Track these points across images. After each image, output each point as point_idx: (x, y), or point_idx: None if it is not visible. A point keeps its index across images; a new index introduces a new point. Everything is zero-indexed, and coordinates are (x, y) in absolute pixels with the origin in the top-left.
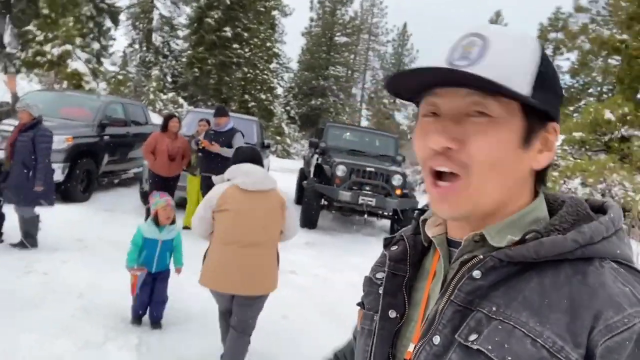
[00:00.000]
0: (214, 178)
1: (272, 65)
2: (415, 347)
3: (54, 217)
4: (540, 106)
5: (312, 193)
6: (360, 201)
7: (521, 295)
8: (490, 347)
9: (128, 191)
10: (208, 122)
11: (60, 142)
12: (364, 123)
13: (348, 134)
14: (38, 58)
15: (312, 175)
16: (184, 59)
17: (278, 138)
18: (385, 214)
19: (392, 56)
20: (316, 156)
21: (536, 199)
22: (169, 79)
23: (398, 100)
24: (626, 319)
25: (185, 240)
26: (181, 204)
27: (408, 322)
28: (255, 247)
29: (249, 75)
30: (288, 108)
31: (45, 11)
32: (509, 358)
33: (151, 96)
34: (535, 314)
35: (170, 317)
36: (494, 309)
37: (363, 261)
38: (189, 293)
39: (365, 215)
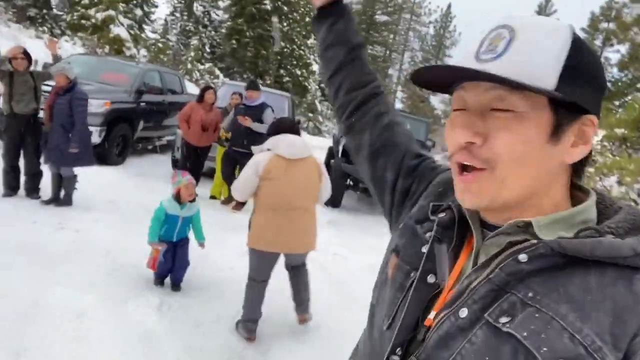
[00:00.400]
0: (254, 148)
1: (310, 41)
2: (437, 315)
3: (89, 178)
4: (567, 98)
5: (338, 172)
6: None
7: (562, 288)
8: (525, 333)
9: (161, 157)
10: (240, 95)
11: (99, 106)
12: (398, 105)
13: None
14: (83, 21)
15: (339, 155)
16: (223, 30)
17: (310, 115)
18: None
19: (433, 37)
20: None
21: (589, 200)
22: (208, 49)
23: None
24: None
25: (208, 210)
26: (209, 174)
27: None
28: (299, 210)
29: (285, 50)
30: (322, 85)
31: None
32: (545, 349)
33: (189, 65)
34: (576, 309)
35: (191, 282)
36: (530, 294)
37: (382, 243)
38: (211, 262)
39: None
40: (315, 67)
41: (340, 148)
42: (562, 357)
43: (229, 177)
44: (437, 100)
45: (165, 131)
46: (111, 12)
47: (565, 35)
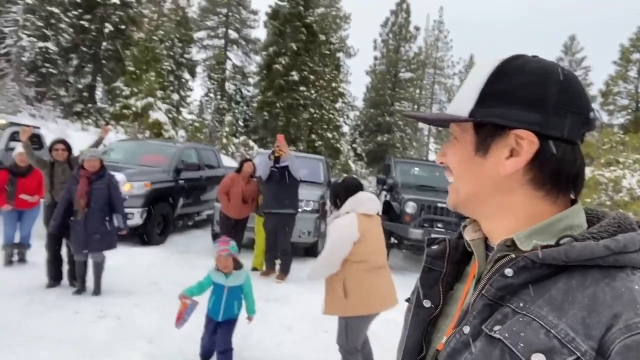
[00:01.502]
0: (331, 217)
1: (338, 105)
2: (447, 337)
3: (131, 260)
4: (481, 119)
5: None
6: None
7: (548, 293)
8: (507, 334)
9: (201, 233)
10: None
11: (140, 187)
12: (432, 157)
13: (416, 168)
14: (125, 111)
15: (380, 213)
16: (254, 104)
17: (345, 175)
18: None
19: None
20: (384, 193)
21: (568, 209)
22: (241, 124)
23: None
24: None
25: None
26: (248, 245)
27: (445, 316)
28: (384, 265)
29: (315, 115)
30: (355, 145)
31: (131, 68)
32: (521, 344)
33: (224, 140)
34: (555, 309)
35: None
36: (521, 304)
37: None
38: (255, 340)
39: None
40: (346, 129)
41: (381, 206)
42: (537, 351)
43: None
44: None
45: (204, 206)
46: (150, 99)
47: (490, 67)
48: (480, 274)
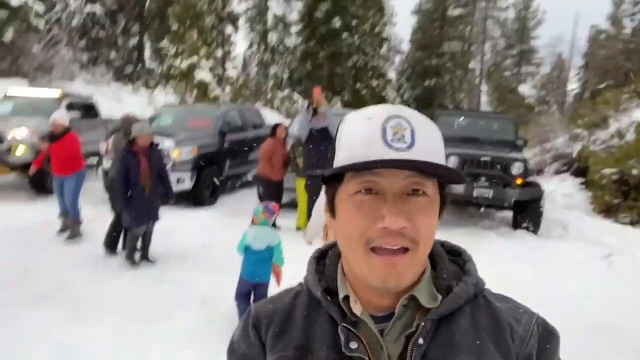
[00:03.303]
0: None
1: (383, 50)
2: None
3: (184, 223)
4: (459, 181)
5: None
6: (475, 194)
7: (454, 342)
8: None
9: (249, 192)
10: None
11: (188, 152)
12: (484, 99)
13: (460, 120)
14: (172, 71)
15: None
16: (298, 54)
17: None
18: (506, 205)
19: (515, 21)
20: None
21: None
22: (286, 76)
23: (523, 69)
24: (526, 327)
25: (293, 242)
26: (290, 205)
27: None
28: None
29: (359, 63)
30: (401, 91)
31: (174, 27)
32: None
33: (269, 95)
34: (472, 355)
35: None
36: None
37: (479, 259)
38: None
39: (482, 208)
40: (391, 75)
41: None
42: None
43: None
44: (527, 88)
45: (250, 166)
46: (194, 59)
47: (434, 125)
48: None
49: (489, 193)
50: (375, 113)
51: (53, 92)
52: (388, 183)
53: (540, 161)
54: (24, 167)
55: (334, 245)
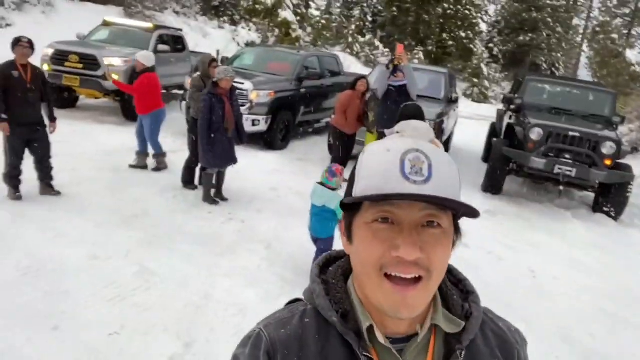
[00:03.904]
0: (387, 132)
1: None
2: None
3: (256, 164)
4: (473, 216)
5: (498, 156)
6: (556, 170)
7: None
8: None
9: (319, 140)
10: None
11: (265, 96)
12: (584, 62)
13: (552, 88)
14: (257, 6)
15: (502, 136)
16: None
17: (475, 81)
18: (590, 185)
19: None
20: (509, 113)
21: None
22: (370, 18)
23: (634, 31)
24: (522, 343)
25: None
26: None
27: None
28: None
29: (449, 11)
30: (491, 45)
31: None
32: None
33: (350, 39)
34: None
35: None
36: None
37: (549, 241)
38: None
39: (561, 187)
40: (483, 27)
41: (504, 127)
42: None
43: None
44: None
45: (324, 114)
46: None
47: (449, 158)
48: None
49: (572, 171)
50: (394, 146)
51: (146, 24)
52: (404, 214)
53: (636, 139)
54: (116, 93)
55: (334, 261)
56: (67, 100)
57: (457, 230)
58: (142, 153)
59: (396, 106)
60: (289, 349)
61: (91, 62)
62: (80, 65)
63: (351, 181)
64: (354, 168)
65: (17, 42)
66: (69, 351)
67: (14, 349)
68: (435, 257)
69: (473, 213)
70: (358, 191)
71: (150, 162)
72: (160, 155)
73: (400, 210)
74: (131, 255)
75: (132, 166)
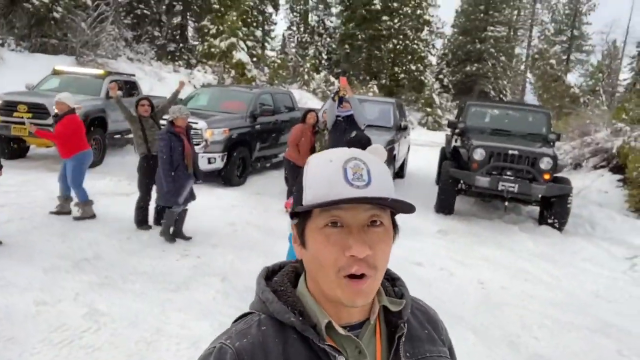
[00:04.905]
0: None
1: (423, 34)
2: None
3: (213, 202)
4: (409, 211)
5: (447, 177)
6: (500, 187)
7: (416, 335)
8: None
9: (277, 173)
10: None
11: (220, 134)
12: (528, 87)
13: (491, 111)
14: (212, 50)
15: (450, 157)
16: (337, 36)
17: (428, 110)
18: (532, 200)
19: (566, 5)
20: (455, 137)
21: None
22: (324, 56)
23: (572, 57)
24: (440, 320)
25: None
26: None
27: None
28: None
29: (398, 46)
30: (441, 76)
31: (216, 6)
32: None
33: (306, 77)
34: (430, 344)
35: None
36: (409, 353)
37: (497, 254)
38: None
39: (506, 203)
40: (432, 59)
41: (450, 149)
42: None
43: None
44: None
45: (280, 148)
46: (233, 39)
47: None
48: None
49: (514, 187)
50: (335, 156)
51: (97, 70)
52: (351, 217)
53: (578, 155)
54: None
55: (272, 274)
56: (17, 150)
57: (395, 226)
58: (66, 198)
59: (345, 135)
60: (254, 356)
61: (41, 110)
62: (29, 115)
63: (299, 191)
64: (300, 179)
65: None
66: None
67: None
68: (381, 253)
69: (409, 209)
70: (307, 199)
71: (74, 209)
72: (85, 203)
73: (348, 213)
74: (80, 298)
75: (53, 213)
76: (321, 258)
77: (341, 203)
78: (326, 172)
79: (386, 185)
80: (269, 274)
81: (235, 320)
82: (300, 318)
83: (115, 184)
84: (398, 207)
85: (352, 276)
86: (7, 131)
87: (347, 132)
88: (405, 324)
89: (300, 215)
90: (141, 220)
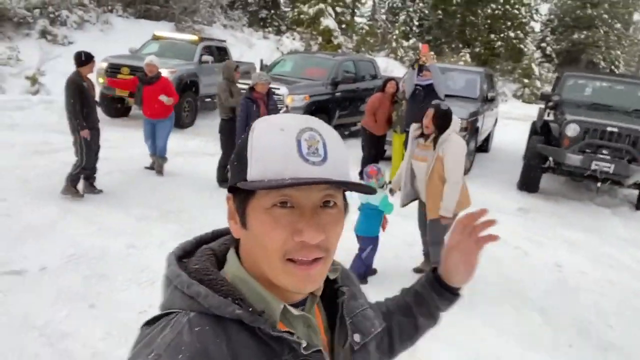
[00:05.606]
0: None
1: None
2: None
3: None
4: (365, 192)
5: (533, 153)
6: (593, 166)
7: (351, 294)
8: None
9: (355, 142)
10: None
11: (300, 100)
12: None
13: (592, 84)
14: (301, 16)
15: (538, 132)
16: (430, 1)
17: (526, 81)
18: (630, 182)
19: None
20: (548, 111)
21: None
22: (416, 22)
23: None
24: (352, 275)
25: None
26: (387, 158)
27: None
28: None
29: (497, 11)
30: (544, 44)
31: None
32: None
33: (394, 44)
34: (362, 298)
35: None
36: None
37: (583, 238)
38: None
39: (599, 184)
40: (535, 26)
41: (540, 124)
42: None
43: None
44: None
45: (359, 117)
46: (321, 5)
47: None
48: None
49: (610, 167)
50: (286, 124)
51: (192, 36)
52: (304, 197)
53: None
54: None
55: (190, 252)
56: (120, 110)
57: (345, 205)
58: (161, 156)
59: (423, 105)
60: None
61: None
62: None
63: (240, 162)
64: (241, 147)
65: (90, 58)
66: (101, 326)
67: (53, 323)
68: (334, 237)
69: (369, 191)
70: (254, 174)
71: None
72: (164, 159)
73: (300, 193)
74: (165, 245)
75: (147, 168)
76: (266, 241)
77: (300, 184)
78: (277, 143)
79: (343, 160)
80: (181, 259)
81: (148, 324)
82: (250, 309)
83: (204, 144)
84: (358, 190)
85: (302, 261)
86: (112, 91)
87: (426, 102)
88: (346, 287)
89: (241, 191)
90: (222, 179)
